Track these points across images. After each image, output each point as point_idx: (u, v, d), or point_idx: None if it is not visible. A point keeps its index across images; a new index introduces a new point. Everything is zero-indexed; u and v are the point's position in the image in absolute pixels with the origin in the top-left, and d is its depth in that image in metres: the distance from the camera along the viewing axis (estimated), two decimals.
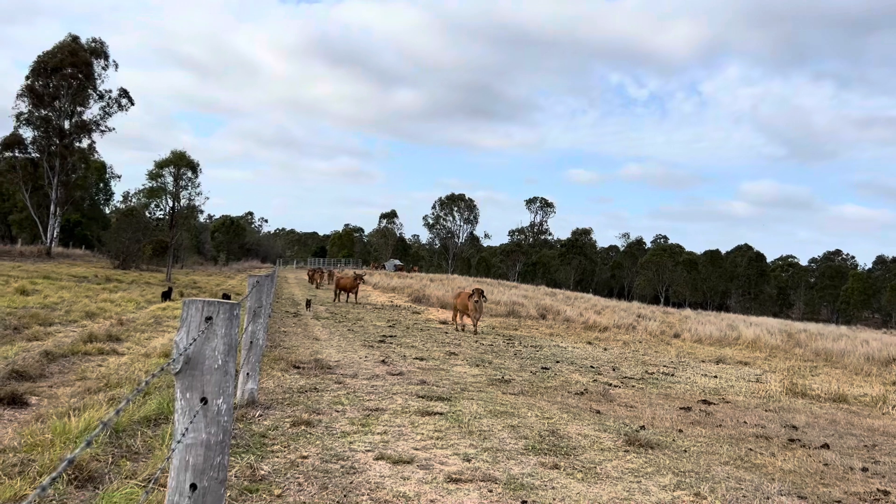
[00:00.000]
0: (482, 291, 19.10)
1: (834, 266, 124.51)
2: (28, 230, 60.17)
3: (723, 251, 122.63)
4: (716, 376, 13.66)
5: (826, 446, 7.56)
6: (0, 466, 4.52)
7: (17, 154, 53.92)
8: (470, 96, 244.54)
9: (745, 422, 8.73)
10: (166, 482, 2.67)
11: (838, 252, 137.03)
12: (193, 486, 2.57)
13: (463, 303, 19.14)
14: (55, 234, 55.09)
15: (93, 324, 13.36)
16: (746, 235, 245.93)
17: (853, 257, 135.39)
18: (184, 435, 2.57)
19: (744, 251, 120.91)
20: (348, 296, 28.28)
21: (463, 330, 18.88)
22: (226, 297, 22.14)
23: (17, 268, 32.62)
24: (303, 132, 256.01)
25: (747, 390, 11.92)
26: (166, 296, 22.00)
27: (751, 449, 7.13)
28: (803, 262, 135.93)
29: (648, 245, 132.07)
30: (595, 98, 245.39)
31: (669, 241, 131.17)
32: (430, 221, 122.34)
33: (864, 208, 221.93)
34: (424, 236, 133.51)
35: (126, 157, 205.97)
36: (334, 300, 27.91)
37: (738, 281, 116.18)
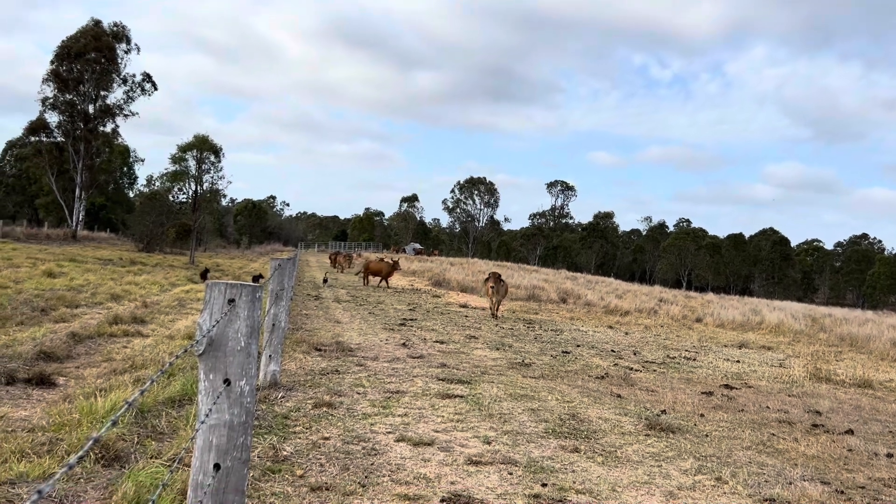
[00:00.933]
0: (499, 276, 18.47)
1: (860, 250, 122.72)
2: (54, 214, 60.97)
3: (746, 235, 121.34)
4: (738, 361, 13.56)
5: (850, 432, 7.48)
6: (29, 445, 4.61)
7: (42, 138, 54.59)
8: (490, 79, 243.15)
9: (767, 407, 8.67)
10: (191, 462, 2.71)
11: (865, 236, 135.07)
12: (217, 466, 2.61)
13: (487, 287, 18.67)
14: (81, 217, 55.81)
15: (118, 306, 13.55)
16: (771, 219, 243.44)
17: (880, 241, 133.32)
18: (207, 416, 2.60)
19: (768, 235, 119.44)
20: (380, 281, 27.32)
21: (495, 316, 18.08)
22: (257, 278, 22.52)
23: (44, 251, 33.13)
24: (323, 116, 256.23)
25: (770, 375, 11.83)
26: (204, 276, 24.07)
27: (773, 434, 7.08)
28: (829, 245, 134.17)
29: (671, 229, 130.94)
30: (617, 80, 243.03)
31: (692, 225, 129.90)
32: (450, 205, 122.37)
33: (893, 191, 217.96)
34: (445, 220, 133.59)
35: (148, 141, 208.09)
36: (364, 283, 27.20)
37: (761, 265, 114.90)
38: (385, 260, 28.50)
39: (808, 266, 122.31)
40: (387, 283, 27.52)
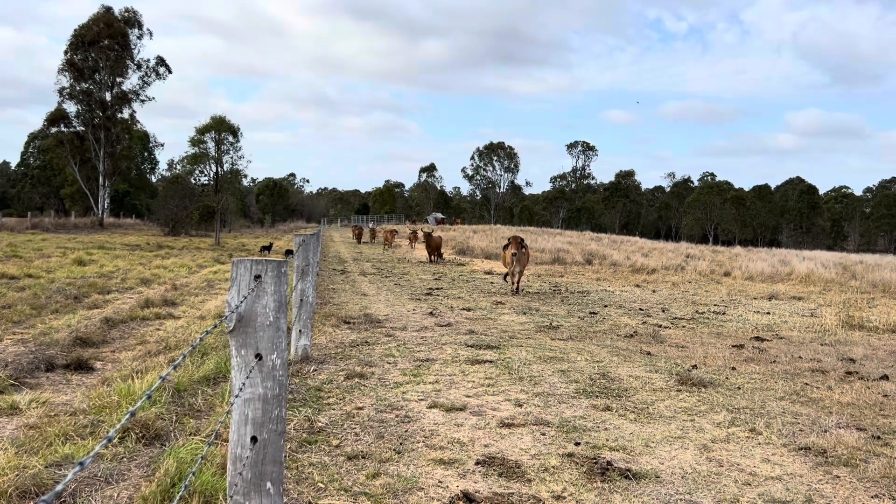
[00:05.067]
0: (521, 240, 15.14)
1: (890, 194, 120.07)
2: (80, 203, 61.83)
3: (772, 185, 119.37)
4: (768, 313, 13.44)
5: (885, 378, 7.42)
6: (72, 428, 4.73)
7: (63, 129, 55.15)
8: (499, 42, 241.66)
9: (800, 357, 8.60)
10: (228, 436, 2.76)
11: (895, 180, 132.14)
12: (254, 439, 2.66)
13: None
14: (106, 204, 56.55)
15: (148, 290, 13.76)
16: (797, 168, 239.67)
17: None
18: (241, 390, 2.64)
19: (794, 184, 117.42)
20: (436, 256, 25.84)
21: (516, 290, 15.28)
22: (288, 252, 22.94)
23: (72, 239, 33.65)
24: (334, 90, 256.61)
25: (802, 325, 11.72)
26: (266, 249, 30.25)
27: (807, 383, 7.04)
28: (857, 191, 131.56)
29: (696, 184, 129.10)
30: (632, 35, 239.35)
31: (717, 179, 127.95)
32: (470, 173, 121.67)
33: None
34: (465, 188, 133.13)
35: (164, 125, 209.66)
36: (431, 261, 25.62)
37: (789, 215, 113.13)
38: (428, 232, 27.17)
39: (837, 213, 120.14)
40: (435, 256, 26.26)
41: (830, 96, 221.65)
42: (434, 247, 25.82)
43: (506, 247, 15.20)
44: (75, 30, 53.64)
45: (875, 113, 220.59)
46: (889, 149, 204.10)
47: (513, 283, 15.47)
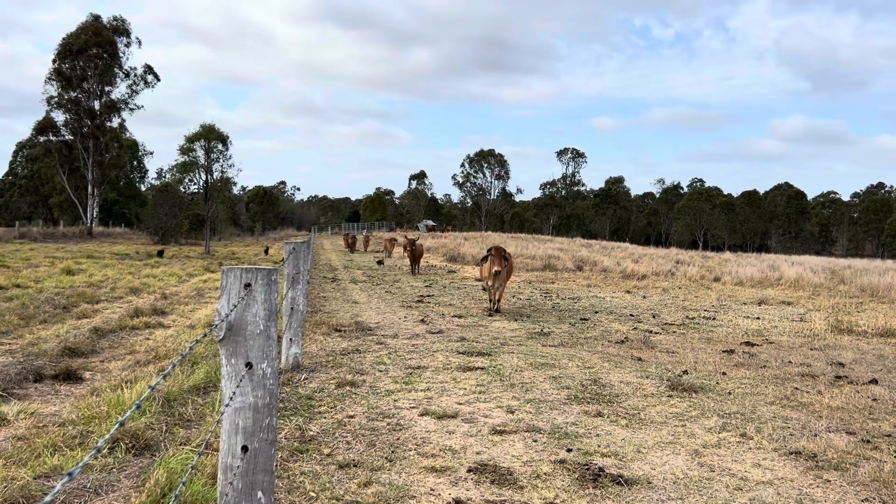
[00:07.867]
0: (504, 251, 12.67)
1: (878, 199, 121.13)
2: (69, 212, 61.45)
3: (761, 191, 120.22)
4: (758, 318, 13.50)
5: (874, 381, 7.46)
6: (61, 439, 4.69)
7: (51, 138, 54.86)
8: (485, 50, 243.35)
9: (789, 361, 8.64)
10: (219, 446, 2.75)
11: (881, 185, 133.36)
12: (245, 448, 2.64)
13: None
14: (95, 213, 56.28)
15: (138, 299, 13.68)
16: (785, 173, 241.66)
17: None
18: (231, 399, 2.63)
19: (783, 189, 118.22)
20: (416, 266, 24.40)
21: (496, 310, 12.91)
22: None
23: (61, 249, 33.43)
24: (323, 98, 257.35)
25: (791, 330, 11.78)
26: (266, 251, 33.16)
27: (797, 388, 7.07)
28: (845, 197, 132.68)
29: (685, 189, 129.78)
30: (619, 43, 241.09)
31: (706, 185, 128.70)
32: (460, 180, 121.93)
33: None
34: (455, 195, 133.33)
35: (153, 133, 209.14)
36: (413, 272, 23.82)
37: (777, 220, 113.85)
38: (413, 240, 26.65)
39: (826, 219, 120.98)
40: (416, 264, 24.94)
41: (814, 102, 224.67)
42: (419, 255, 24.70)
43: (485, 258, 12.89)
44: (63, 38, 53.46)
45: (859, 119, 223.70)
46: (875, 154, 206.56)
47: (492, 301, 13.10)
